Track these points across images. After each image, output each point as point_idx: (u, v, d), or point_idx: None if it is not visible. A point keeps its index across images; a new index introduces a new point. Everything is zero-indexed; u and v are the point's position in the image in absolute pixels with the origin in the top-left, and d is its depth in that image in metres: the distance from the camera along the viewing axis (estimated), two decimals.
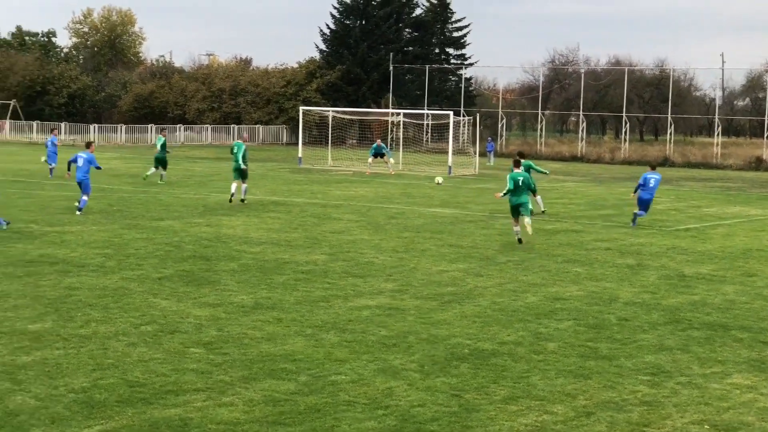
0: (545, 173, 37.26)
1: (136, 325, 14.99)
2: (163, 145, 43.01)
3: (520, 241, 25.14)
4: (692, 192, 46.43)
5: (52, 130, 52.40)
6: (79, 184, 29.71)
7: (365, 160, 53.96)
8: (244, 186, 33.92)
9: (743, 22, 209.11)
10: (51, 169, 43.36)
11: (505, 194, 25.67)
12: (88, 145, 31.10)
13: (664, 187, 49.17)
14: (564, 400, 11.90)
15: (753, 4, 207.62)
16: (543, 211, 32.66)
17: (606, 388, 12.41)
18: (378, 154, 52.48)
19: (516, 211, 25.34)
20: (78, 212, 28.85)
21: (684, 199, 41.99)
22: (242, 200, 33.67)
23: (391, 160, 53.61)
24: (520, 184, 25.39)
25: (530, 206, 26.09)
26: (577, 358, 13.84)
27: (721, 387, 12.65)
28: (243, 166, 33.58)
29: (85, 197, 29.50)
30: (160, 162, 42.45)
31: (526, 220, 25.34)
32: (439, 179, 45.67)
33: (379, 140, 54.83)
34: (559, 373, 13.00)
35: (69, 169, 31.52)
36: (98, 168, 30.86)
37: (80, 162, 29.79)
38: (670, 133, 78.72)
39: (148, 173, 42.72)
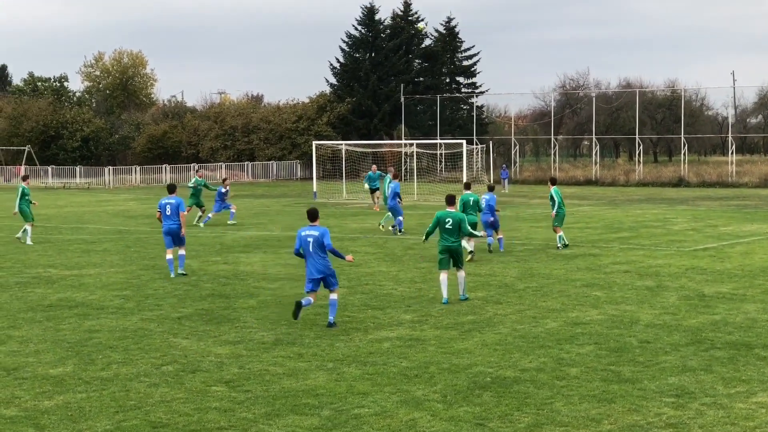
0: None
1: (158, 366, 14.98)
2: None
3: (471, 253, 27.29)
4: (709, 211, 46.29)
5: (224, 180, 45.88)
6: (170, 234, 24.98)
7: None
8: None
9: (753, 39, 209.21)
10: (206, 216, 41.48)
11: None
12: (172, 188, 25.80)
13: (680, 207, 49.10)
14: (589, 425, 11.84)
15: (762, 21, 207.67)
16: None
17: (630, 412, 12.34)
18: (374, 189, 49.39)
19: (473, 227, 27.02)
20: (182, 273, 24.93)
21: (701, 218, 41.85)
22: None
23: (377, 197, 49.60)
24: (471, 204, 27.62)
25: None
26: (600, 382, 13.78)
27: (746, 406, 12.57)
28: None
29: (182, 251, 25.34)
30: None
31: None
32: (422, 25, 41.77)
33: (375, 166, 51.74)
34: (583, 398, 12.94)
35: (160, 219, 25.38)
36: (184, 211, 25.46)
37: (168, 210, 24.97)
38: (684, 153, 78.70)
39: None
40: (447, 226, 20.46)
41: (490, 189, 30.68)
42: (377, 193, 49.68)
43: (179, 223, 24.92)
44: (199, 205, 41.31)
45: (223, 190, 41.65)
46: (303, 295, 18.32)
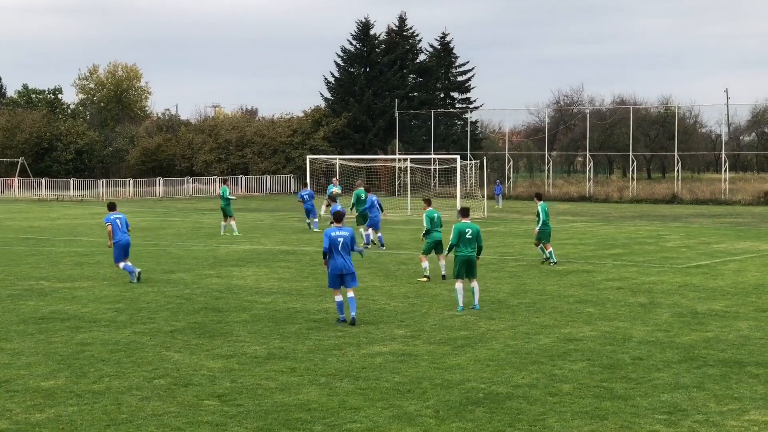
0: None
1: (149, 379, 14.96)
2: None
3: (443, 277, 26.60)
4: (702, 228, 46.35)
5: (305, 185, 46.63)
6: (125, 246, 26.65)
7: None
8: (379, 234, 35.99)
9: (746, 58, 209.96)
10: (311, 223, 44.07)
11: (425, 233, 27.04)
12: (112, 206, 27.36)
13: (673, 224, 49.17)
14: None
15: (755, 40, 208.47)
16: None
17: (623, 429, 12.33)
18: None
19: (437, 246, 26.86)
20: (135, 281, 26.10)
21: (694, 235, 41.90)
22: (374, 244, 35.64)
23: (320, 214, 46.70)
24: (436, 220, 26.89)
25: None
26: (592, 399, 13.77)
27: (738, 424, 12.57)
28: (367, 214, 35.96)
29: (128, 260, 26.85)
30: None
31: (443, 260, 26.74)
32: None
33: (335, 179, 49.85)
34: (575, 415, 12.93)
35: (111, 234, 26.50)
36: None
37: (120, 223, 26.59)
38: (678, 170, 78.77)
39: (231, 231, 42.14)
40: (467, 236, 21.52)
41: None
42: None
43: (128, 236, 26.88)
44: (228, 215, 42.25)
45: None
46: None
